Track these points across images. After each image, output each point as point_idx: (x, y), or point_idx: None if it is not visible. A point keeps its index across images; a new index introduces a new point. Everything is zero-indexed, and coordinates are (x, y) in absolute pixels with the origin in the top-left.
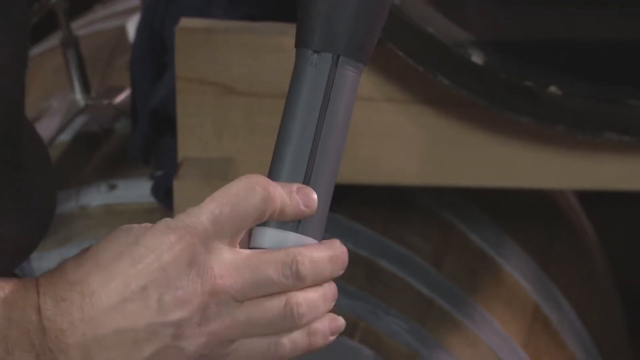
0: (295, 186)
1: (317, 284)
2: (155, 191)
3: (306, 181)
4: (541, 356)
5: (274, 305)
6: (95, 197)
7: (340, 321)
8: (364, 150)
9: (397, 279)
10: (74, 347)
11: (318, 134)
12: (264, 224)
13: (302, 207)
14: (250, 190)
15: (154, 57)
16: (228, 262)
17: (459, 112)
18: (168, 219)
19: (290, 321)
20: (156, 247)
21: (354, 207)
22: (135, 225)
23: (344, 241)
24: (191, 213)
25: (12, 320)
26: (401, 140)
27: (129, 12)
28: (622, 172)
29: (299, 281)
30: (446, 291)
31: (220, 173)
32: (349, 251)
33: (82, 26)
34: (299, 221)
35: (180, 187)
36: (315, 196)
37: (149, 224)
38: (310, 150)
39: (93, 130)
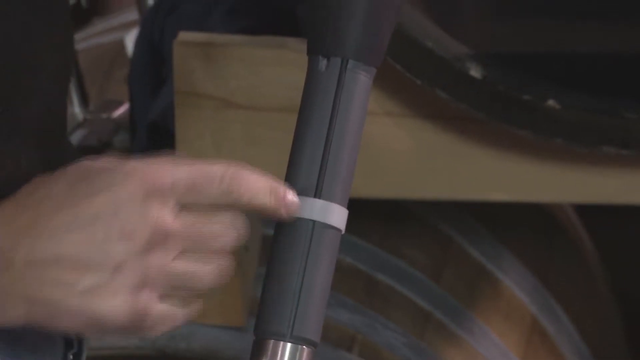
0: (282, 190)
1: None
2: None
3: (320, 184)
4: None
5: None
6: None
7: None
8: (363, 164)
9: (395, 293)
10: (15, 265)
11: (330, 138)
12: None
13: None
14: (220, 180)
15: (152, 70)
16: (180, 215)
17: (457, 126)
18: (130, 161)
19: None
20: (113, 185)
21: (351, 220)
22: (89, 163)
23: (343, 255)
24: (160, 166)
25: None
26: (400, 154)
27: (128, 25)
28: (621, 186)
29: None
30: (444, 304)
31: None
32: (348, 265)
33: (80, 40)
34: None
35: None
36: (295, 200)
37: (103, 159)
38: (322, 154)
39: (92, 144)
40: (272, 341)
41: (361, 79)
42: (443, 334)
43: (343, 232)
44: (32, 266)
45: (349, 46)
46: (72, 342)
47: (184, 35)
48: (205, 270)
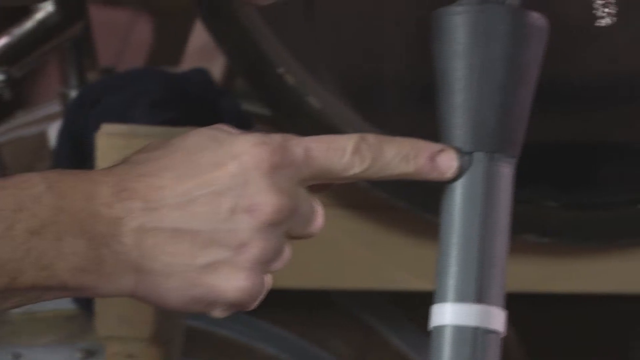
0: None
1: None
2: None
3: (478, 287)
4: None
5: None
6: None
7: None
8: None
9: None
10: (128, 233)
11: (482, 236)
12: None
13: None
14: (357, 155)
15: (75, 163)
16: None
17: (379, 215)
18: (260, 135)
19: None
20: (239, 155)
21: (273, 311)
22: (209, 130)
23: (267, 346)
24: (288, 138)
25: (60, 208)
26: (323, 244)
27: (51, 118)
28: (541, 274)
29: None
30: None
31: None
32: (272, 356)
33: (3, 132)
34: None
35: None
36: (454, 163)
37: (233, 131)
38: (477, 255)
39: None
40: None
41: (506, 172)
42: None
43: (504, 334)
44: (147, 236)
45: (491, 139)
46: None
47: (107, 127)
48: (289, 250)
